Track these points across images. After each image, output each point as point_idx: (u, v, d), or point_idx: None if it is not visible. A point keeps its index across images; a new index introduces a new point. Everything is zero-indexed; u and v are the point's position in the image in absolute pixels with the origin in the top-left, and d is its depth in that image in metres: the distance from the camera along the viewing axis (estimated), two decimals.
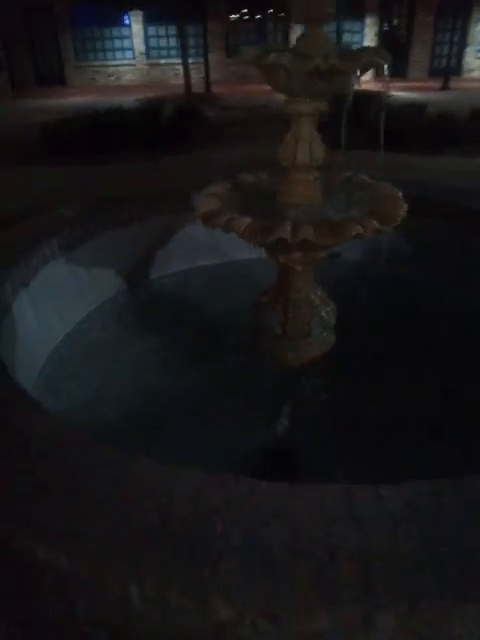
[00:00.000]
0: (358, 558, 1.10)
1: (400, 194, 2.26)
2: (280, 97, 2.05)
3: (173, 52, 18.65)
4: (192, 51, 16.71)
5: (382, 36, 17.72)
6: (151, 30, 18.85)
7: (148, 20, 18.36)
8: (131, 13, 17.62)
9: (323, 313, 2.44)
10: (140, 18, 18.30)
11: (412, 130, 7.45)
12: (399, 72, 16.93)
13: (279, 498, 1.25)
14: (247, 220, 1.96)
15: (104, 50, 19.02)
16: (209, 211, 2.08)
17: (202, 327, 2.76)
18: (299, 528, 1.17)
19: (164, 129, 8.66)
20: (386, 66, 1.90)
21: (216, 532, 1.15)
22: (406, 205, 2.16)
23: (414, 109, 8.72)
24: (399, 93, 12.75)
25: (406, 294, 3.26)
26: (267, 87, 2.04)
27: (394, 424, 2.22)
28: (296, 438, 2.15)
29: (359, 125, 7.35)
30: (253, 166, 2.46)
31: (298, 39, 1.96)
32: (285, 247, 2.06)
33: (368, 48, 1.83)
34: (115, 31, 18.82)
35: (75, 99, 14.66)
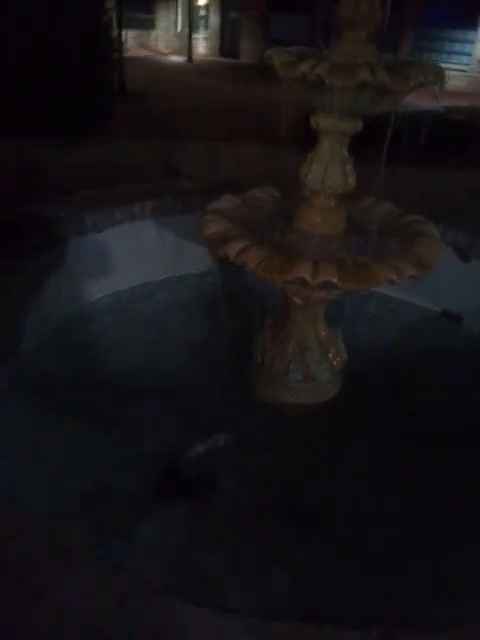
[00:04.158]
0: None
1: (435, 231, 1.90)
2: None
3: None
4: None
5: None
6: None
7: None
8: None
9: (312, 362, 2.12)
10: None
11: None
12: None
13: None
14: (262, 252, 1.71)
15: (439, 51, 18.27)
16: (217, 233, 1.82)
17: (236, 329, 2.62)
18: None
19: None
20: None
21: None
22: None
23: None
24: None
25: None
26: None
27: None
28: (216, 467, 2.00)
29: None
30: None
31: (335, 45, 1.71)
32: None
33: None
34: (460, 34, 17.86)
35: None
